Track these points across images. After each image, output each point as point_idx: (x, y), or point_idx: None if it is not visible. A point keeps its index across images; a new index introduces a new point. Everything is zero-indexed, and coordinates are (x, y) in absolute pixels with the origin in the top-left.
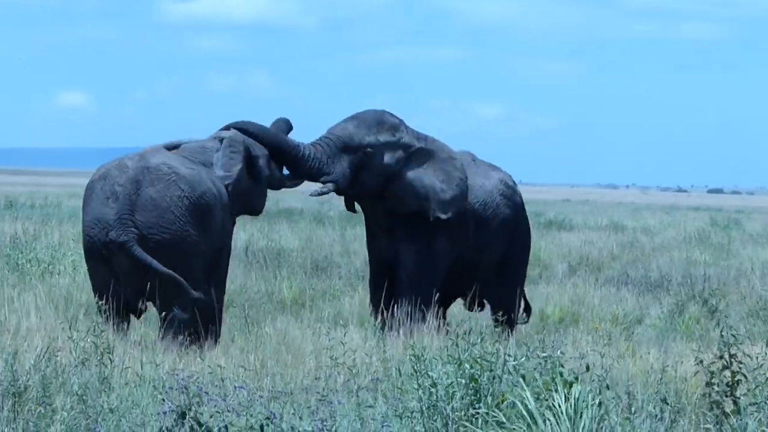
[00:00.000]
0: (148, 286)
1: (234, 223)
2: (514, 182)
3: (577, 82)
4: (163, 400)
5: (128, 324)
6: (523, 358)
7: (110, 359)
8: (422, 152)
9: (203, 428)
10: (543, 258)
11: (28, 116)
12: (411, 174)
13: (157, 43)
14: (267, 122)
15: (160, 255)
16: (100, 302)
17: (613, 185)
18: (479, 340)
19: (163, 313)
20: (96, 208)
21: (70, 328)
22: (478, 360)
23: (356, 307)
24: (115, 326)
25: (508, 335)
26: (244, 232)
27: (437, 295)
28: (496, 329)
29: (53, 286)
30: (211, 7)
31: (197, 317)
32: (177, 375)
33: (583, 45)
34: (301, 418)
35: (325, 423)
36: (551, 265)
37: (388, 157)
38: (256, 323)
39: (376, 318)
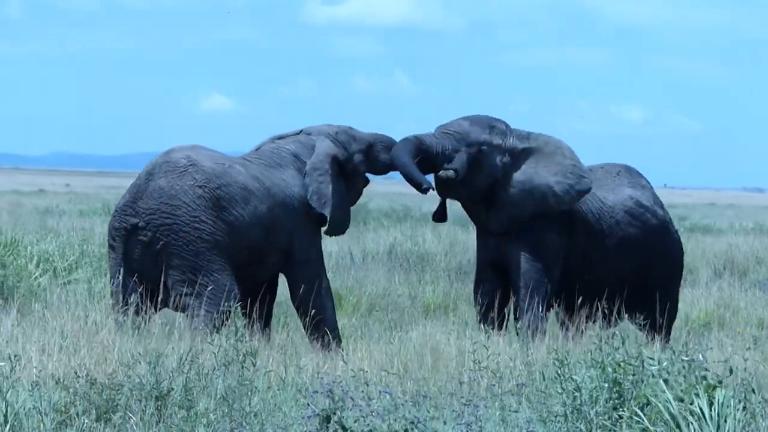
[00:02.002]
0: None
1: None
2: (654, 203)
3: (723, 84)
4: (308, 404)
5: (140, 310)
6: (666, 362)
7: (253, 363)
8: (528, 151)
9: None
10: (688, 262)
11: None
12: (521, 176)
13: (302, 45)
14: (410, 126)
15: (163, 239)
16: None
17: (759, 189)
18: (622, 343)
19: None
20: (122, 199)
21: (211, 332)
22: (621, 364)
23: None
24: (122, 313)
25: (654, 340)
26: (388, 235)
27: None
28: (645, 336)
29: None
30: (356, 10)
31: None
32: (321, 379)
33: (729, 46)
34: (445, 422)
35: (469, 427)
36: (696, 269)
37: (495, 160)
38: (399, 327)
39: (480, 318)
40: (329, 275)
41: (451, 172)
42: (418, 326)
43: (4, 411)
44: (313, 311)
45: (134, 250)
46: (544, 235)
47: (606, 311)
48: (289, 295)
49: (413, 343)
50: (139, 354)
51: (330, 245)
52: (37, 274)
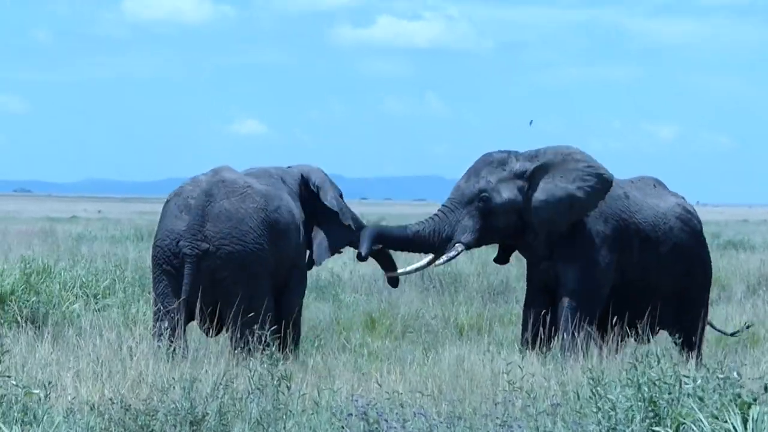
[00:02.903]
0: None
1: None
2: (693, 209)
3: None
4: (342, 427)
5: (183, 335)
6: (701, 380)
7: (288, 386)
8: (540, 169)
9: None
10: (721, 278)
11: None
12: (542, 194)
13: (332, 67)
14: (442, 146)
15: (230, 267)
16: (158, 313)
17: None
18: (657, 362)
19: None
20: (169, 222)
21: (245, 357)
22: (657, 382)
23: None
24: (170, 337)
25: (689, 358)
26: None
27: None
28: (679, 352)
29: None
30: (385, 32)
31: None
32: (356, 401)
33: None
34: None
35: None
36: (729, 285)
37: (507, 193)
38: (433, 348)
39: (524, 343)
40: (363, 297)
41: (458, 246)
42: (451, 347)
43: None
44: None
45: (197, 275)
46: (595, 254)
47: (644, 324)
48: (318, 317)
49: (447, 364)
50: (174, 379)
51: (363, 268)
52: (70, 300)
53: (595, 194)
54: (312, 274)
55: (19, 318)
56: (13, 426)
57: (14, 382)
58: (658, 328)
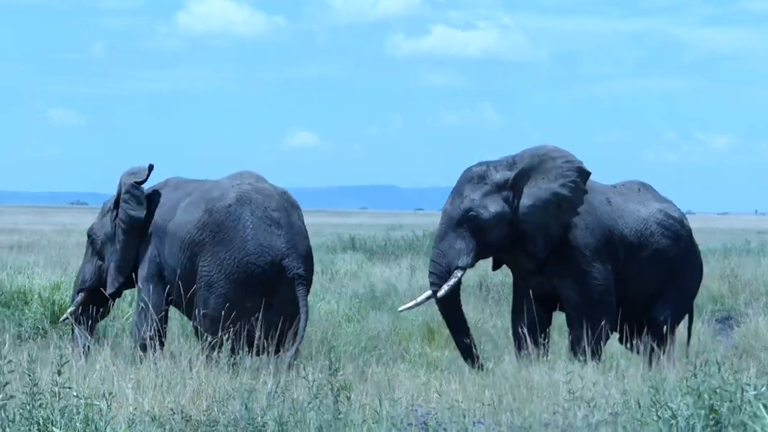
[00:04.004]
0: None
1: None
2: (681, 214)
3: None
4: None
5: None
6: (764, 387)
7: (347, 396)
8: (521, 175)
9: None
10: None
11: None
12: (528, 200)
13: (386, 79)
14: (496, 157)
15: (308, 286)
16: (231, 331)
17: None
18: (717, 370)
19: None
20: (259, 236)
21: (303, 368)
22: (717, 390)
23: None
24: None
25: (662, 352)
26: (478, 267)
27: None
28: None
29: None
30: (440, 43)
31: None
32: (415, 411)
33: None
34: None
35: None
36: None
37: (494, 206)
38: (492, 358)
39: (517, 348)
40: (422, 307)
41: (457, 273)
42: (511, 357)
43: None
44: None
45: (284, 291)
46: (589, 267)
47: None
48: (377, 328)
49: (506, 374)
50: (233, 389)
51: (421, 279)
52: (129, 313)
53: (578, 188)
54: (367, 285)
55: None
56: None
57: (75, 394)
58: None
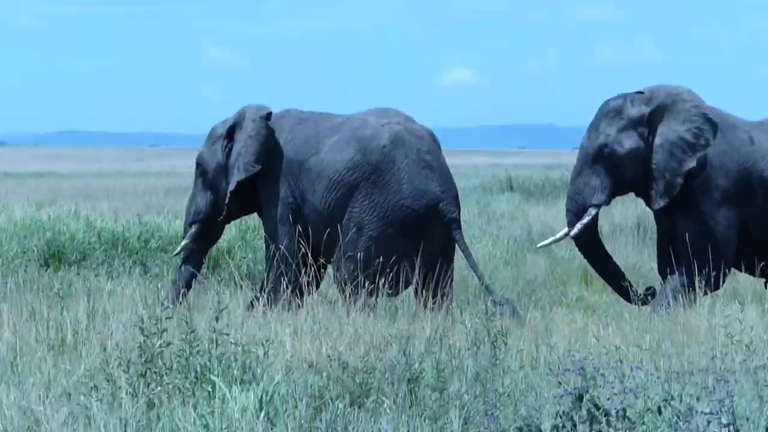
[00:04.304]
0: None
1: None
2: None
3: None
4: (559, 383)
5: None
6: None
7: (504, 342)
8: (656, 112)
9: (600, 411)
10: None
11: (417, 96)
12: (659, 139)
13: (543, 13)
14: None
15: (456, 225)
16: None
17: None
18: None
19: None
20: (414, 179)
21: (461, 313)
22: None
23: (753, 282)
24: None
25: None
26: (636, 207)
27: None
28: None
29: None
30: None
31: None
32: (573, 356)
33: None
34: (698, 399)
35: (722, 403)
36: None
37: (630, 142)
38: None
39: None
40: (577, 251)
41: (591, 211)
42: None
43: (260, 397)
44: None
45: (438, 236)
46: (714, 211)
47: None
48: (534, 272)
49: (665, 318)
50: (390, 336)
51: None
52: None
53: (701, 135)
54: (525, 227)
55: (236, 276)
56: (233, 384)
57: (232, 341)
58: None
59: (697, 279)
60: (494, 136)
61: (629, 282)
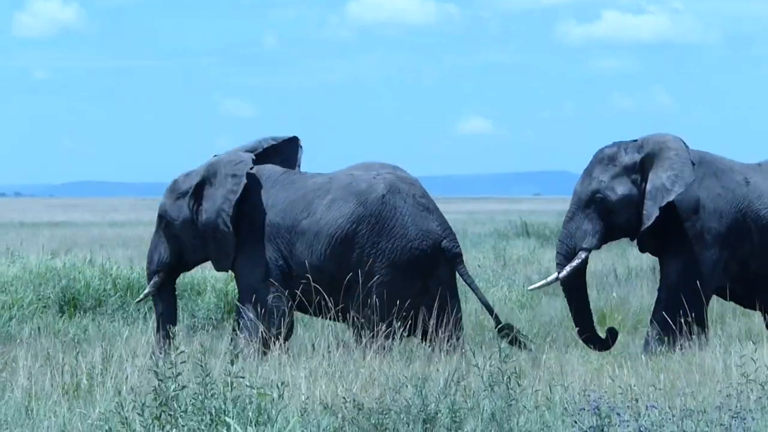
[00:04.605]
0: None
1: None
2: None
3: None
4: (575, 422)
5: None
6: None
7: (518, 383)
8: (647, 159)
9: None
10: None
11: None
12: (649, 185)
13: (558, 64)
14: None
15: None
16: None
17: None
18: None
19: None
20: (417, 222)
21: (474, 355)
22: None
23: None
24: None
25: None
26: None
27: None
28: None
29: (462, 312)
30: (610, 27)
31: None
32: (588, 396)
33: None
34: None
35: None
36: None
37: (622, 188)
38: (665, 343)
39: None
40: (594, 293)
41: (582, 254)
42: (684, 341)
43: None
44: None
45: (445, 274)
46: (703, 251)
47: None
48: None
49: (679, 358)
50: (406, 377)
51: (594, 263)
52: None
53: (677, 184)
54: (540, 271)
55: None
56: (248, 426)
57: (248, 384)
58: None
59: (679, 318)
60: (509, 183)
61: (592, 324)
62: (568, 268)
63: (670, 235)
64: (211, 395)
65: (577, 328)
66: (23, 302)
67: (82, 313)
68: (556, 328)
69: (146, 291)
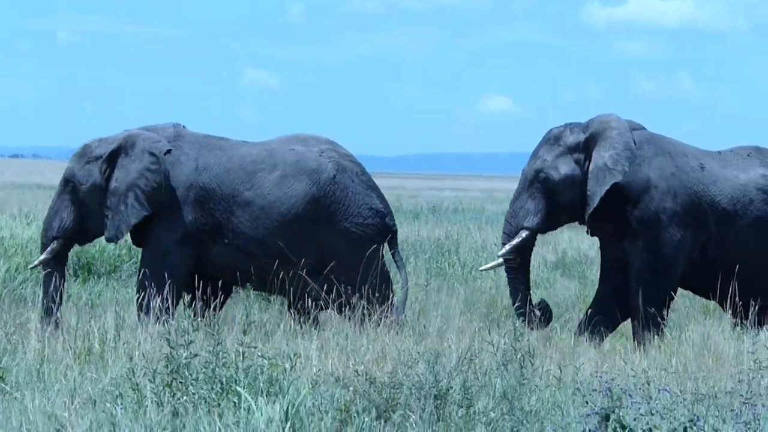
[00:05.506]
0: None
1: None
2: None
3: None
4: (586, 402)
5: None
6: None
7: (531, 362)
8: (591, 139)
9: (626, 430)
10: None
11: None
12: (592, 165)
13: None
14: (693, 128)
15: None
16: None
17: None
18: None
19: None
20: (366, 200)
21: (489, 332)
22: None
23: None
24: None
25: None
26: None
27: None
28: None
29: (476, 290)
30: (637, 11)
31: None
32: (599, 377)
33: None
34: (724, 421)
35: (749, 426)
36: None
37: (565, 168)
38: (678, 327)
39: (584, 319)
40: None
41: (523, 233)
42: (696, 326)
43: (285, 408)
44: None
45: (383, 249)
46: (661, 232)
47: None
48: (564, 294)
49: (692, 342)
50: (418, 353)
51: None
52: None
53: (620, 163)
54: (559, 251)
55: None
56: (259, 396)
57: (260, 354)
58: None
59: (650, 304)
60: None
61: (531, 304)
62: (507, 246)
63: (622, 219)
64: (223, 364)
65: (514, 306)
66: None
67: (96, 278)
68: (569, 308)
69: (42, 257)
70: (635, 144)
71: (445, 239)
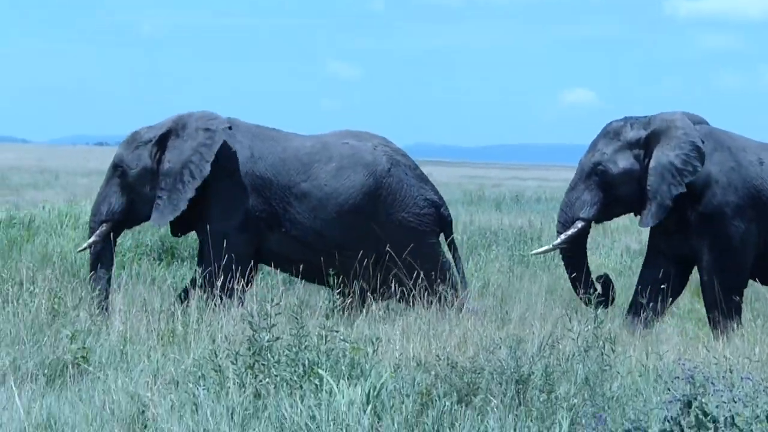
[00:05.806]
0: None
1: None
2: None
3: None
4: (668, 389)
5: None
6: None
7: (612, 349)
8: (652, 136)
9: (709, 418)
10: None
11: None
12: (653, 162)
13: (664, 39)
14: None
15: None
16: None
17: None
18: None
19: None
20: (421, 192)
21: (569, 320)
22: None
23: None
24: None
25: None
26: None
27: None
28: None
29: (558, 277)
30: (719, 4)
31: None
32: (683, 365)
33: None
34: None
35: None
36: None
37: (624, 162)
38: (763, 316)
39: (632, 309)
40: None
41: (578, 224)
42: None
43: (367, 391)
44: None
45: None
46: (727, 227)
47: None
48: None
49: None
50: (500, 339)
51: None
52: None
53: (690, 164)
54: (642, 240)
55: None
56: (341, 379)
57: (342, 338)
58: None
59: (724, 300)
60: None
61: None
62: (563, 236)
63: (685, 214)
64: (305, 347)
65: (577, 293)
66: (122, 249)
67: (179, 262)
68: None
69: (91, 240)
70: (702, 142)
71: (528, 227)
